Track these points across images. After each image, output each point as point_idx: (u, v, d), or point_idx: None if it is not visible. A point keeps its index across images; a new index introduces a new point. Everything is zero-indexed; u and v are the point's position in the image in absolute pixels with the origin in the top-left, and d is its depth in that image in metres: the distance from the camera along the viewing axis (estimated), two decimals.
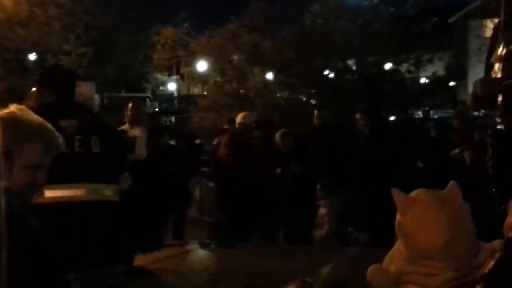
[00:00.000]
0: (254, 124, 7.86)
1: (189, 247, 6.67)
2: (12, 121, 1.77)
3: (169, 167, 6.72)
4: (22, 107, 1.87)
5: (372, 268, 1.96)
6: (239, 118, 7.77)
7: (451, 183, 1.87)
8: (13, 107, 1.83)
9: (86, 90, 4.28)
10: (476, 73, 12.52)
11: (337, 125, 9.39)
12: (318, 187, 7.04)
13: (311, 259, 4.80)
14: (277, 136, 7.47)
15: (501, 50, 3.97)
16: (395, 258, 1.91)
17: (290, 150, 7.39)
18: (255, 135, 7.68)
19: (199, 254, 6.47)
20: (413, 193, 1.87)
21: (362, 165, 7.12)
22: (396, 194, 1.86)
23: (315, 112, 8.24)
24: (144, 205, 5.48)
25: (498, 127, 3.99)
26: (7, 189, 1.62)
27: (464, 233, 1.79)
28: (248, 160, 7.17)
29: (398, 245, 1.90)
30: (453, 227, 1.76)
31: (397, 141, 7.76)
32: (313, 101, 15.59)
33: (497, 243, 1.80)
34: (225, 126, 9.19)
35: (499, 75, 3.94)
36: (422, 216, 1.80)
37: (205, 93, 16.78)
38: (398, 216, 1.86)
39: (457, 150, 7.08)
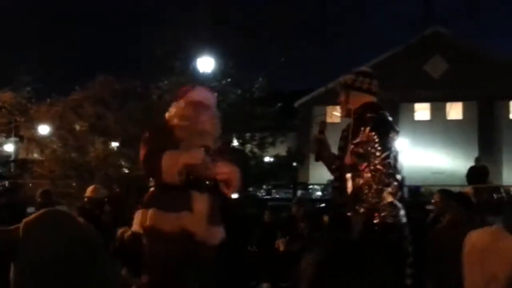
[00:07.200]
0: (106, 199, 7.47)
1: None
2: None
3: None
4: None
5: None
6: (88, 192, 7.26)
7: None
8: None
9: None
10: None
11: None
12: None
13: None
14: None
15: None
16: None
17: None
18: (106, 210, 7.30)
19: None
20: None
21: None
22: None
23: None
24: None
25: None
26: None
27: None
28: None
29: None
30: None
31: (237, 220, 7.80)
32: None
33: None
34: (39, 199, 8.41)
35: None
36: None
37: (43, 159, 15.90)
38: None
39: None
